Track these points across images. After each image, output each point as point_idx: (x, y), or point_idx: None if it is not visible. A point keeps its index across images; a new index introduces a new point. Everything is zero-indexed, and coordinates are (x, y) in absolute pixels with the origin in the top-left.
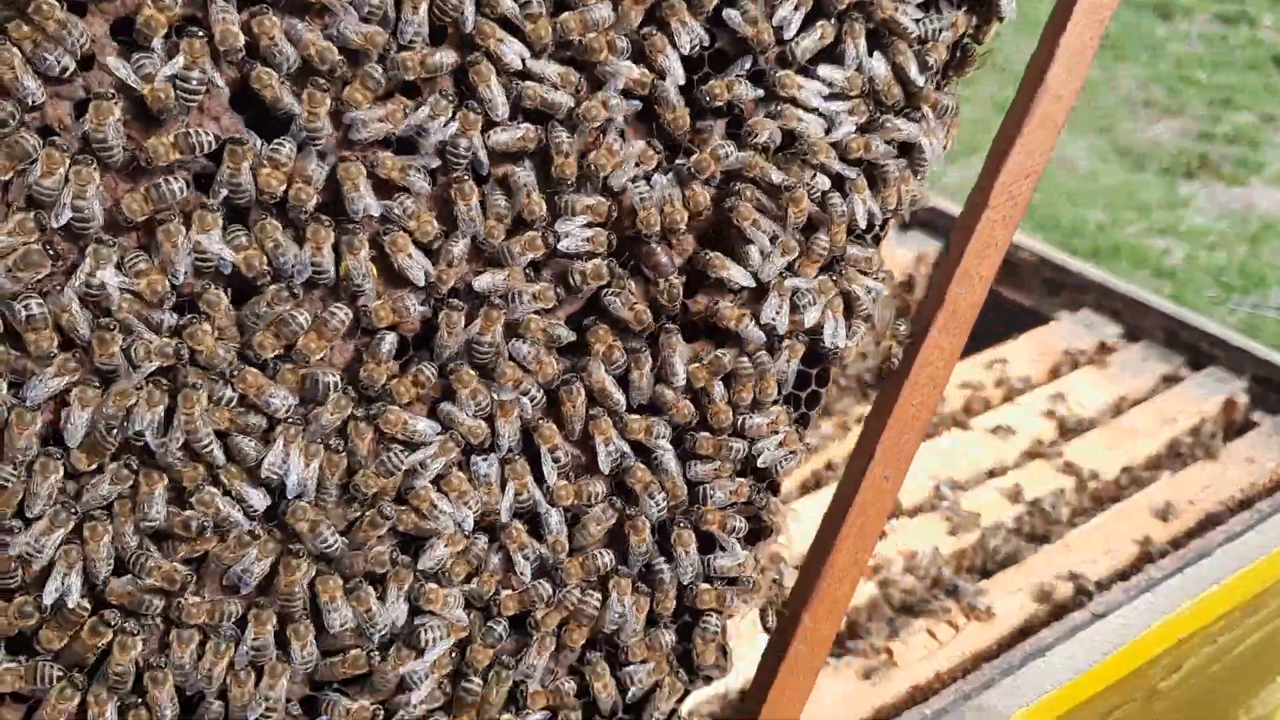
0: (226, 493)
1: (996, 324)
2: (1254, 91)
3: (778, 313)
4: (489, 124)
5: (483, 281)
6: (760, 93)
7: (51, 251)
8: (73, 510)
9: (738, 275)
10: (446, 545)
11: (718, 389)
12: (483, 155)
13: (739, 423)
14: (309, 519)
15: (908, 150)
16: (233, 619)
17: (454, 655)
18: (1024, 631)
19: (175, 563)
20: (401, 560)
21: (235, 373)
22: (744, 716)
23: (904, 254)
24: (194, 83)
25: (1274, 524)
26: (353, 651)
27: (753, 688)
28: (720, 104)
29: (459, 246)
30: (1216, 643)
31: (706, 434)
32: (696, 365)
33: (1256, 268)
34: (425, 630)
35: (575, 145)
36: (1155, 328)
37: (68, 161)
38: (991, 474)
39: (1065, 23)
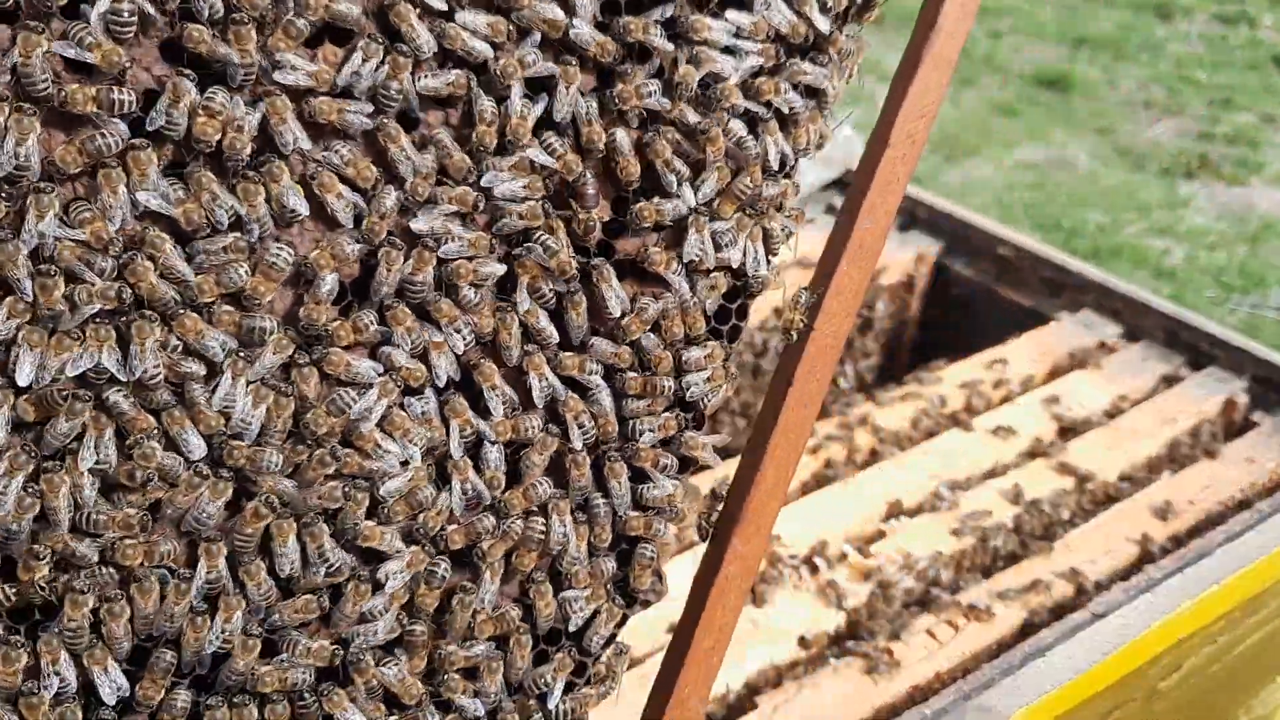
0: (169, 441)
1: (996, 324)
2: (1254, 92)
3: (700, 250)
4: (420, 68)
5: (419, 224)
6: (669, 46)
7: (3, 195)
8: (31, 453)
9: (668, 208)
10: (399, 479)
11: (650, 338)
12: (414, 100)
13: (678, 358)
14: (246, 454)
15: (814, 93)
16: (171, 557)
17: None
18: (1024, 631)
19: (126, 510)
20: (354, 495)
21: (175, 316)
22: (682, 636)
23: (904, 255)
24: (125, 16)
25: (1274, 524)
26: (304, 596)
27: (687, 611)
28: (634, 39)
29: (390, 199)
30: (1216, 643)
31: (634, 372)
32: (628, 317)
33: (1256, 268)
34: (383, 564)
35: (497, 114)
36: (1155, 328)
37: (7, 110)
38: (991, 474)
39: None
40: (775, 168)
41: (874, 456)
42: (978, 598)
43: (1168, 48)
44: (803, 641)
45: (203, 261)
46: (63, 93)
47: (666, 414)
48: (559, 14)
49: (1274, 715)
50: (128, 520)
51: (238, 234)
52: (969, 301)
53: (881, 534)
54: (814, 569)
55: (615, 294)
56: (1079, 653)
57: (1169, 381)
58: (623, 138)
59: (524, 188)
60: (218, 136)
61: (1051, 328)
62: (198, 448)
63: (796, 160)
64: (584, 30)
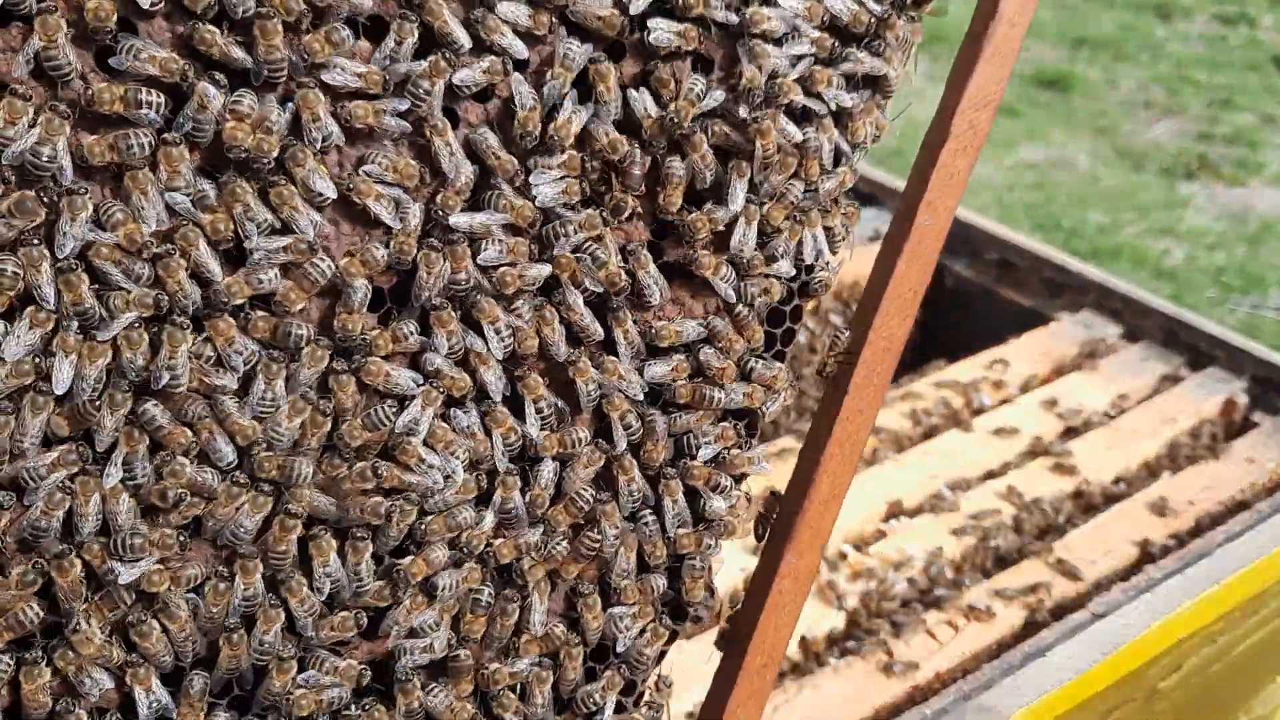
0: (198, 452)
1: (996, 324)
2: (1254, 92)
3: (744, 241)
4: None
5: (459, 220)
6: (733, 18)
7: (45, 199)
8: (83, 457)
9: (721, 215)
10: (448, 492)
11: (709, 352)
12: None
13: (745, 369)
14: (277, 463)
15: (872, 82)
16: (197, 582)
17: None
18: (1024, 631)
19: (163, 530)
20: (399, 508)
21: (207, 318)
22: (733, 654)
23: None
24: None
25: (1274, 524)
26: (341, 614)
27: (740, 624)
28: (693, 14)
29: (414, 215)
30: (1216, 643)
31: (683, 381)
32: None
33: (1256, 268)
34: (439, 578)
35: (538, 99)
36: (1155, 328)
37: (31, 110)
38: (991, 474)
39: None
40: (829, 164)
41: (874, 456)
42: (977, 598)
43: (1168, 48)
44: (803, 642)
45: (261, 260)
46: (90, 91)
47: (722, 424)
48: (612, 11)
49: (1274, 715)
50: (165, 541)
51: (297, 234)
52: (969, 302)
53: (882, 534)
54: None
55: (654, 281)
56: (1079, 653)
57: (1169, 381)
58: (678, 168)
59: (562, 192)
60: (249, 141)
61: (1051, 328)
62: (228, 454)
63: (854, 154)
64: (663, 29)
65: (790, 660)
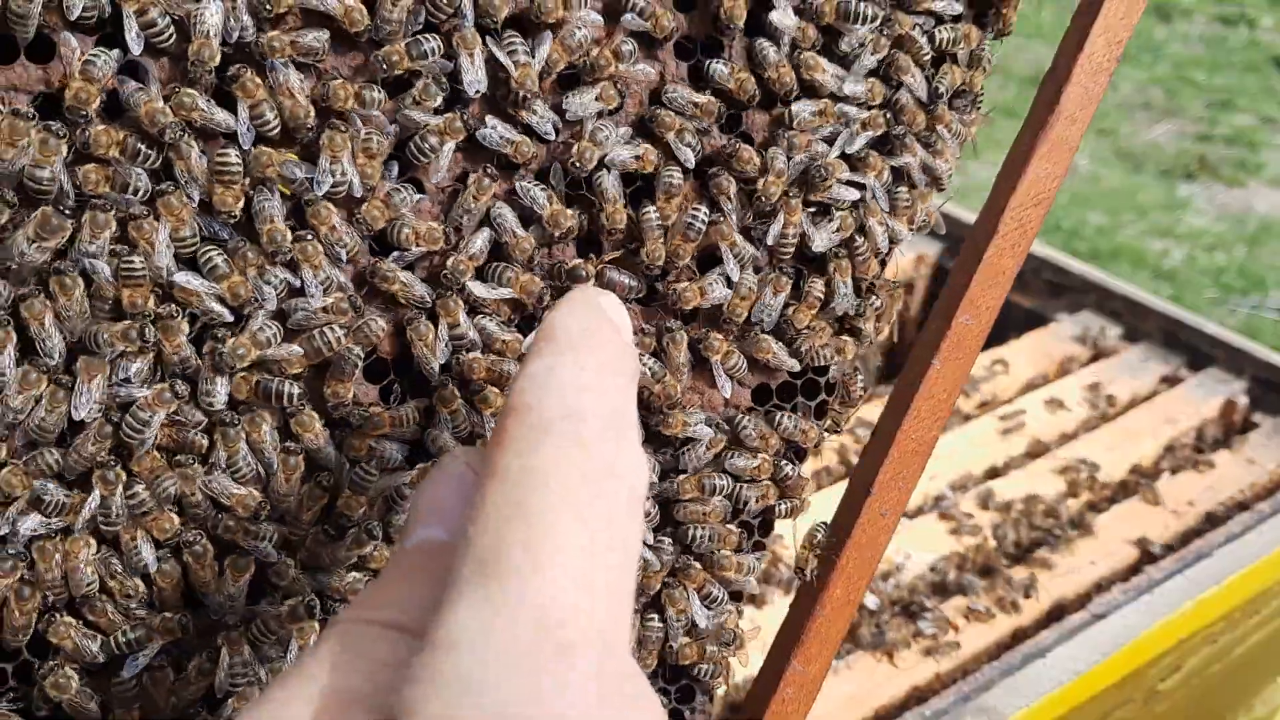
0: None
1: (997, 325)
2: (1253, 93)
3: (769, 313)
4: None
5: (479, 290)
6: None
7: (68, 212)
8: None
9: (715, 295)
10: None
11: (751, 428)
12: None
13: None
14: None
15: (926, 170)
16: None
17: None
18: (1024, 632)
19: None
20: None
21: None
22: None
23: (904, 256)
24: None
25: (1274, 524)
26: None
27: None
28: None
29: (481, 240)
30: (1216, 643)
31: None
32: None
33: (1255, 269)
34: None
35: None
36: (1155, 329)
37: (32, 130)
38: (992, 474)
39: (1083, 41)
40: (884, 253)
41: None
42: (977, 599)
43: (1167, 49)
44: None
45: (301, 321)
46: (85, 134)
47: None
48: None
49: (1274, 716)
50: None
51: (340, 293)
52: None
53: None
54: None
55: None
56: (1079, 653)
57: (1169, 382)
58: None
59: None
60: (239, 205)
61: (1051, 329)
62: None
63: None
64: (721, 68)
65: None
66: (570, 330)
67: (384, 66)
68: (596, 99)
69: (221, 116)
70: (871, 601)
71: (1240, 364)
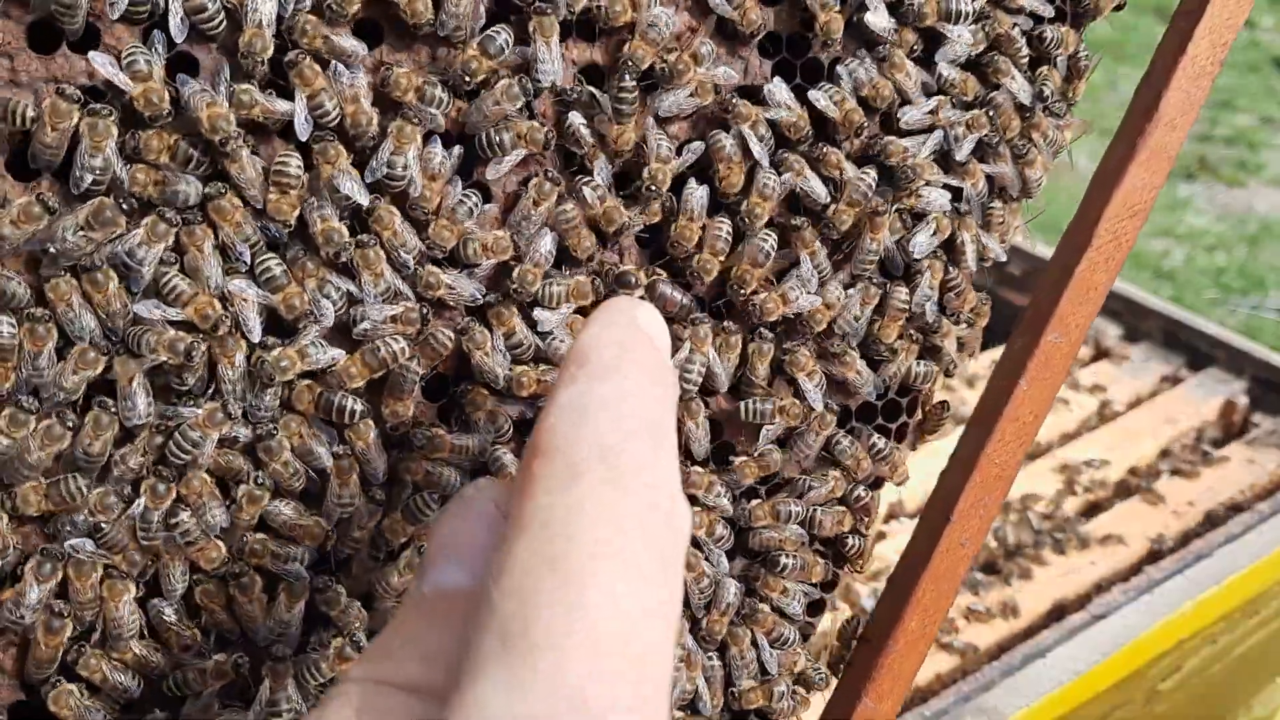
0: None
1: (997, 325)
2: (1253, 93)
3: (853, 324)
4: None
5: (547, 318)
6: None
7: (125, 208)
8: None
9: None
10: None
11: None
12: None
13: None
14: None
15: (1018, 180)
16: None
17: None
18: (1024, 632)
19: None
20: None
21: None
22: None
23: None
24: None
25: (1273, 525)
26: None
27: None
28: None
29: (547, 244)
30: (1216, 644)
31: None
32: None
33: (1256, 269)
34: None
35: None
36: (1155, 329)
37: (76, 113)
38: None
39: (1185, 44)
40: (974, 271)
41: None
42: (977, 600)
43: None
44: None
45: (368, 331)
46: (136, 138)
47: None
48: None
49: (1274, 716)
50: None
51: (410, 302)
52: None
53: (882, 535)
54: None
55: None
56: (1079, 653)
57: (1169, 382)
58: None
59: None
60: (295, 214)
61: None
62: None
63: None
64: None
65: None
66: (603, 352)
67: (465, 76)
68: (690, 96)
69: (283, 107)
70: (868, 604)
71: (1240, 364)
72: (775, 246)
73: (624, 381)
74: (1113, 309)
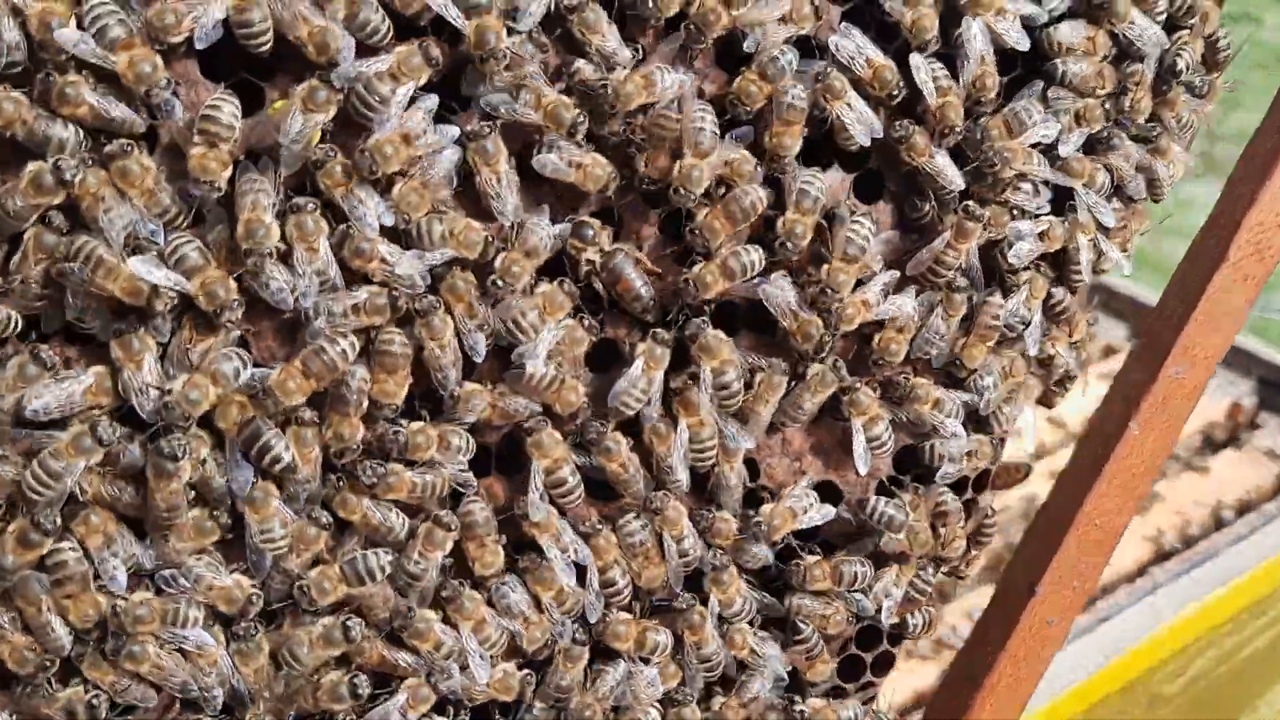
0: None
1: None
2: (1258, 91)
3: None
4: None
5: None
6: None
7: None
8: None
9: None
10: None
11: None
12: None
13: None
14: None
15: (1143, 175)
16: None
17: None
18: None
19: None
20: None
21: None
22: None
23: None
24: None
25: (1279, 527)
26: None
27: None
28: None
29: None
30: (1222, 646)
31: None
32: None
33: None
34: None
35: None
36: None
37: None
38: None
39: None
40: (1088, 282)
41: None
42: (976, 602)
43: None
44: None
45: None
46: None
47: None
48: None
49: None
50: None
51: (374, 288)
52: None
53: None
54: None
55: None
56: (1083, 657)
57: None
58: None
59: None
60: (225, 174)
61: None
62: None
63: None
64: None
65: None
66: None
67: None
68: (781, 21)
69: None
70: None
71: (1247, 365)
72: (873, 232)
73: None
74: (1118, 309)
